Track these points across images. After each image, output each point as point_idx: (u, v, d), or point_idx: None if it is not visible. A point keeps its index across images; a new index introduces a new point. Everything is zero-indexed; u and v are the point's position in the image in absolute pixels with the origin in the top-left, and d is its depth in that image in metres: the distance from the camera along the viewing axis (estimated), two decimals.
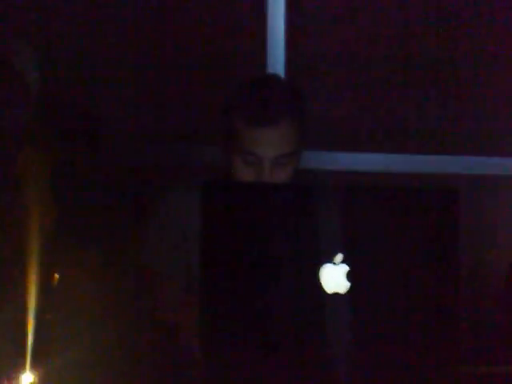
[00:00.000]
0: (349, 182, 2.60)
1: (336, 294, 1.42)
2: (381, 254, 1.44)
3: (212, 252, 1.41)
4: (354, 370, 1.40)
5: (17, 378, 1.47)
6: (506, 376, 1.60)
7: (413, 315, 1.42)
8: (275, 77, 2.21)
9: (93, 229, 1.94)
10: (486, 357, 1.67)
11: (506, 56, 2.89)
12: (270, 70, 2.72)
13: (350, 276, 1.42)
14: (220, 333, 1.39)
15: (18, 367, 1.48)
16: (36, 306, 1.67)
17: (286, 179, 1.96)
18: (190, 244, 1.98)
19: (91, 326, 1.79)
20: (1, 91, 1.88)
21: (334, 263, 1.43)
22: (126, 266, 2.00)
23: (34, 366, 1.52)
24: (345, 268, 1.42)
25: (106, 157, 2.33)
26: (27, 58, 1.90)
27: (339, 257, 1.43)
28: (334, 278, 1.42)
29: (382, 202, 1.46)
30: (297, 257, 1.43)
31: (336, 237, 1.43)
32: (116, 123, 2.66)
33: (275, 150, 1.94)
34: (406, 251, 1.43)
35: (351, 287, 1.42)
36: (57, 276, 1.76)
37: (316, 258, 1.42)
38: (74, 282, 1.82)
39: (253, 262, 1.41)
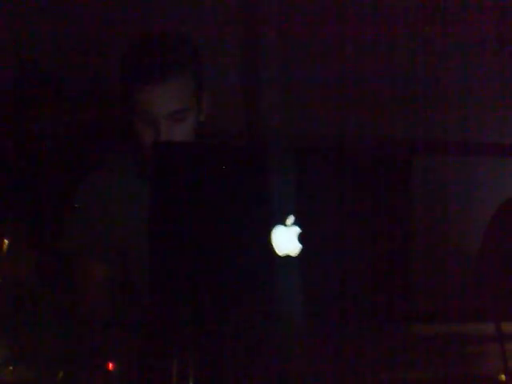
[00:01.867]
0: (301, 143, 2.58)
1: (287, 256, 1.41)
2: (332, 215, 1.43)
3: (161, 214, 1.38)
4: (305, 331, 1.40)
5: None
6: (461, 335, 1.62)
7: (364, 275, 1.42)
8: (165, 32, 2.13)
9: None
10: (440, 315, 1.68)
11: None
12: None
13: (301, 238, 1.41)
14: (170, 294, 1.37)
15: None
16: None
17: (184, 136, 1.93)
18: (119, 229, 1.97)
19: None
20: None
21: (286, 225, 1.42)
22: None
23: None
24: (296, 230, 1.41)
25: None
26: None
27: (291, 219, 1.42)
28: (286, 240, 1.41)
29: (334, 163, 1.45)
30: (248, 218, 1.42)
31: (288, 198, 1.42)
32: None
33: (168, 106, 1.92)
34: (357, 212, 1.43)
35: (303, 249, 1.41)
36: (6, 241, 1.72)
37: (267, 220, 1.41)
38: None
39: (203, 222, 1.39)
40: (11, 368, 1.43)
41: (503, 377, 1.52)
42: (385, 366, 1.42)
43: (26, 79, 2.49)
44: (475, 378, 1.51)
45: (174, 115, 1.91)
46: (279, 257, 1.41)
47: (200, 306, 1.38)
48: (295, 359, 1.39)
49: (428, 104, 2.83)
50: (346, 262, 1.42)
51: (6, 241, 1.71)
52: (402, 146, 2.22)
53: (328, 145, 1.97)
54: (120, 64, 1.97)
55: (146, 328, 1.50)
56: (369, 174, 1.44)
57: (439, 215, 2.63)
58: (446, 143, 2.77)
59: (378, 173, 1.43)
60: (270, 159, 1.45)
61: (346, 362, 1.39)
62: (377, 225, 1.43)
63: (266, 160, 1.45)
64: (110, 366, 1.40)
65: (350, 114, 2.76)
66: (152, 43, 1.97)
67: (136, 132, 1.93)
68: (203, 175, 1.40)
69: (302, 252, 1.41)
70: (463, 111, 2.86)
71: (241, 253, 1.41)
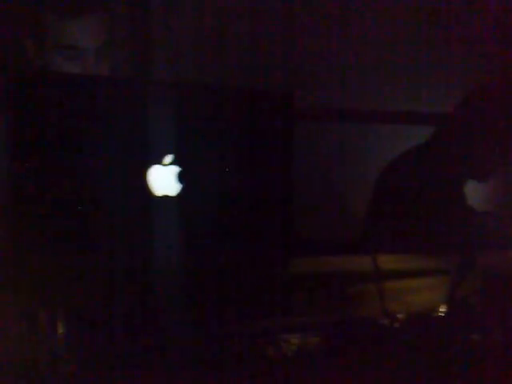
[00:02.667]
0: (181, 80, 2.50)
1: (166, 197, 1.33)
2: (212, 154, 1.36)
3: (23, 152, 1.26)
4: (183, 273, 1.33)
5: None
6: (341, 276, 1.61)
7: (244, 216, 1.37)
8: None
9: None
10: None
11: None
12: None
13: (180, 177, 1.34)
14: (36, 236, 1.26)
15: None
16: None
17: (107, 73, 1.85)
18: None
19: None
20: None
21: (164, 164, 1.33)
22: None
23: None
24: (175, 169, 1.34)
25: None
26: None
27: (169, 158, 1.34)
28: (164, 179, 1.33)
29: (214, 101, 1.38)
30: (123, 157, 1.32)
31: (165, 137, 1.34)
32: None
33: (95, 40, 1.82)
34: (239, 152, 1.37)
35: (182, 189, 1.34)
36: None
37: (144, 159, 1.33)
38: None
39: (74, 161, 1.28)
40: None
41: (386, 319, 1.52)
42: (263, 311, 1.39)
43: None
44: (356, 321, 1.51)
45: (101, 50, 1.80)
46: (157, 197, 1.33)
47: (73, 252, 1.28)
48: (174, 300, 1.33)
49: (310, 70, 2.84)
50: (226, 201, 1.36)
51: None
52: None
53: (208, 84, 1.90)
54: None
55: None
56: (249, 112, 1.38)
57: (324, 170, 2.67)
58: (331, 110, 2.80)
59: (259, 110, 1.38)
60: (145, 95, 1.36)
61: (221, 306, 1.34)
62: (257, 164, 1.38)
63: (141, 96, 1.36)
64: None
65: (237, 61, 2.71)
66: None
67: (52, 67, 1.80)
68: (72, 109, 1.29)
69: (182, 192, 1.33)
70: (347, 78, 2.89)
71: (115, 194, 1.32)
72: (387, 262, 1.57)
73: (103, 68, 1.86)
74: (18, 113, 1.23)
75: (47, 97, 1.24)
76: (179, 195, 1.33)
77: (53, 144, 1.27)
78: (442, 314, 1.57)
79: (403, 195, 2.12)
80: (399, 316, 1.54)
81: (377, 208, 2.22)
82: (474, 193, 2.71)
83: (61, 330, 1.27)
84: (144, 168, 1.32)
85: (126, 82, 1.43)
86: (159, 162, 1.33)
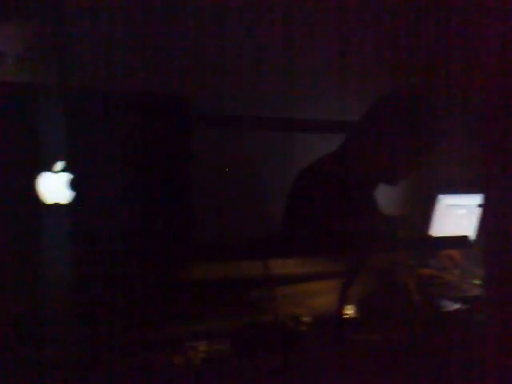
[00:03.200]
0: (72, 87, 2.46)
1: (57, 204, 1.30)
2: (106, 159, 1.34)
3: None
4: (80, 285, 1.31)
5: None
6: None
7: (140, 222, 1.35)
8: None
9: None
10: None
11: None
12: None
13: (72, 184, 1.31)
14: None
15: None
16: None
17: (28, 79, 1.82)
18: None
19: None
20: None
21: (54, 171, 1.31)
22: None
23: None
24: (67, 176, 1.31)
25: None
26: None
27: (60, 164, 1.31)
28: (55, 187, 1.30)
29: (108, 106, 1.36)
30: (11, 165, 1.29)
31: (57, 143, 1.31)
32: None
33: (16, 46, 1.80)
34: (134, 157, 1.36)
35: (75, 196, 1.31)
36: None
37: (33, 166, 1.29)
38: None
39: None
40: None
41: (290, 321, 1.53)
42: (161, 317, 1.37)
43: None
44: (261, 326, 1.50)
45: (22, 55, 1.77)
46: (47, 205, 1.29)
47: None
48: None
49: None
50: (120, 207, 1.34)
51: None
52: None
53: (100, 87, 1.87)
54: None
55: None
56: (146, 116, 1.36)
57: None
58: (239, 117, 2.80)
59: (156, 116, 1.37)
60: (36, 99, 1.33)
61: (121, 309, 1.32)
62: (153, 169, 1.36)
63: (34, 103, 1.33)
64: None
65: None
66: None
67: None
68: None
69: (74, 199, 1.31)
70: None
71: (4, 203, 1.28)
72: (287, 266, 1.58)
73: (23, 73, 1.84)
74: None
75: None
76: (71, 202, 1.30)
77: None
78: (344, 315, 1.59)
79: (311, 201, 2.14)
80: (304, 319, 1.55)
81: (289, 214, 2.23)
82: (387, 197, 2.76)
83: None
84: (34, 175, 1.29)
85: (17, 86, 1.40)
86: (50, 169, 1.30)
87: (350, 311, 1.63)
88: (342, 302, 1.58)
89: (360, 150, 2.21)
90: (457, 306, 1.85)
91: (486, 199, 1.81)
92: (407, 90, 2.32)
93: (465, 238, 2.04)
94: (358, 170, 2.20)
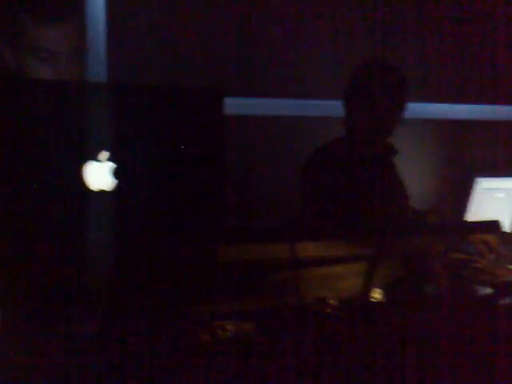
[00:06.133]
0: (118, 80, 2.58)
1: (101, 192, 1.41)
2: (147, 150, 1.45)
3: None
4: (121, 265, 1.42)
5: None
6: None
7: (177, 208, 1.46)
8: None
9: None
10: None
11: None
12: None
13: (115, 173, 1.42)
14: None
15: None
16: None
17: (80, 76, 1.94)
18: None
19: None
20: None
21: (99, 160, 1.42)
22: None
23: None
24: (110, 165, 1.42)
25: None
26: None
27: (104, 154, 1.42)
28: (99, 175, 1.42)
29: (148, 99, 1.46)
30: (61, 154, 1.40)
31: (102, 134, 1.42)
32: None
33: (68, 45, 1.92)
34: (172, 147, 1.45)
35: (117, 184, 1.42)
36: None
37: (80, 156, 1.40)
38: None
39: (11, 159, 1.36)
40: None
41: (318, 303, 1.61)
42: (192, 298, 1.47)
43: None
44: (287, 308, 1.59)
45: (72, 54, 1.89)
46: (93, 192, 1.41)
47: (11, 246, 1.36)
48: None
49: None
50: (159, 195, 1.45)
51: None
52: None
53: (141, 84, 1.97)
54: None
55: None
56: (181, 109, 1.46)
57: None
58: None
59: (190, 108, 1.46)
60: (83, 95, 1.44)
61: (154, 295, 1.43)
62: (191, 161, 1.46)
63: (80, 96, 1.43)
64: None
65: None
66: None
67: (26, 68, 1.89)
68: (9, 110, 1.36)
69: (117, 187, 1.42)
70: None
71: (53, 190, 1.40)
72: (313, 249, 1.66)
73: (74, 71, 1.94)
74: None
75: None
76: (115, 190, 1.41)
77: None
78: (367, 299, 1.67)
79: (332, 183, 2.23)
80: (330, 301, 1.64)
81: (308, 201, 2.31)
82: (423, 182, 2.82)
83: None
84: (81, 164, 1.40)
85: (64, 83, 1.51)
86: (95, 158, 1.41)
87: (378, 295, 1.71)
88: (368, 284, 1.65)
89: (354, 116, 2.35)
90: (490, 290, 1.88)
91: None
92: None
93: (500, 222, 2.08)
94: (362, 138, 2.32)
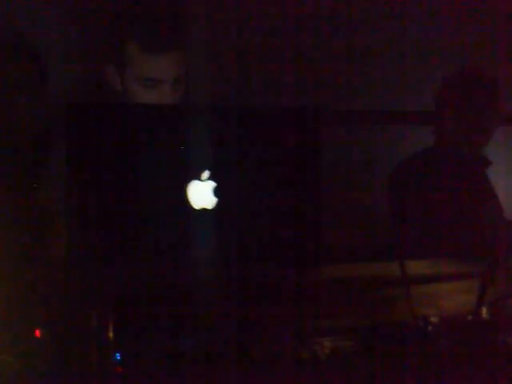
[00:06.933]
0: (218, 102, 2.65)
1: (203, 210, 1.47)
2: (246, 169, 1.49)
3: (78, 173, 1.43)
4: (223, 281, 1.46)
5: None
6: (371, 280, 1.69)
7: (277, 226, 1.49)
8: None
9: None
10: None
11: None
12: None
13: (216, 192, 1.47)
14: (88, 254, 1.42)
15: None
16: None
17: (179, 101, 2.03)
18: None
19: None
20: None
21: (201, 180, 1.47)
22: None
23: None
24: (212, 184, 1.47)
25: None
26: None
27: (206, 173, 1.47)
28: (201, 194, 1.47)
29: (247, 119, 1.51)
30: (164, 174, 1.47)
31: (203, 154, 1.47)
32: None
33: (173, 73, 2.02)
34: (270, 166, 1.49)
35: (218, 202, 1.47)
36: None
37: (183, 175, 1.47)
38: None
39: (121, 179, 1.44)
40: None
41: (421, 321, 1.59)
42: (293, 314, 1.49)
43: None
44: (387, 325, 1.58)
45: (176, 81, 2.01)
46: (195, 210, 1.46)
47: (118, 263, 1.43)
48: (212, 308, 1.45)
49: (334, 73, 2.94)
50: (259, 212, 1.49)
51: None
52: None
53: (240, 105, 2.03)
54: (116, 30, 2.03)
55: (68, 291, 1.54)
56: (279, 128, 1.50)
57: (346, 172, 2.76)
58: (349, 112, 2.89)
59: (288, 127, 1.50)
60: (186, 116, 1.50)
61: (255, 311, 1.45)
62: (288, 178, 1.49)
63: (182, 117, 1.50)
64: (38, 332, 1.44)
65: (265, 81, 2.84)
66: (153, 12, 2.05)
67: (132, 94, 2.01)
68: (119, 134, 1.44)
69: (218, 205, 1.47)
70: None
71: (158, 208, 1.46)
72: (416, 266, 1.64)
73: (176, 96, 2.04)
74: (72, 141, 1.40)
75: (100, 125, 1.41)
76: (215, 208, 1.46)
77: (106, 167, 1.44)
78: (476, 317, 1.63)
79: (427, 198, 2.19)
80: (432, 319, 1.61)
81: (400, 212, 2.29)
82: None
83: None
84: (184, 183, 1.46)
85: (169, 107, 1.58)
86: (197, 178, 1.47)
87: (483, 313, 1.67)
88: (480, 303, 1.61)
89: (448, 125, 2.32)
90: None
91: None
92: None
93: None
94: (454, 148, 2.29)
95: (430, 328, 1.60)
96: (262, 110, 1.53)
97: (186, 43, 2.08)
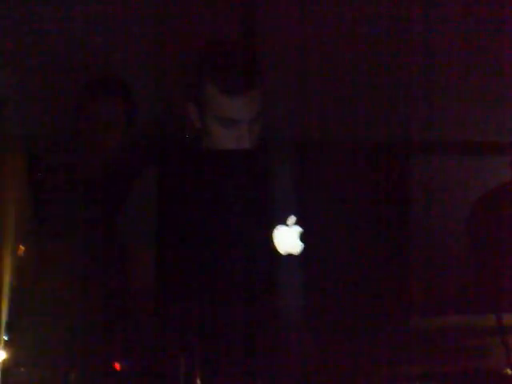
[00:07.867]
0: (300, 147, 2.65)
1: (289, 255, 1.45)
2: (333, 213, 1.47)
3: (169, 216, 1.44)
4: (307, 329, 1.44)
5: None
6: (462, 329, 1.64)
7: (365, 272, 1.46)
8: (236, 42, 2.25)
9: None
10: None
11: None
12: None
13: (302, 237, 1.45)
14: (176, 296, 1.42)
15: None
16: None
17: (256, 140, 2.05)
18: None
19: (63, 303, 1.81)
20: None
21: (287, 225, 1.46)
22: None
23: (7, 344, 1.54)
24: (298, 229, 1.46)
25: None
26: None
27: (292, 219, 1.46)
28: (288, 239, 1.46)
29: (333, 165, 1.50)
30: (251, 220, 1.47)
31: (288, 200, 1.47)
32: None
33: (250, 113, 2.04)
34: (358, 210, 1.47)
35: (304, 248, 1.45)
36: (22, 248, 1.79)
37: (269, 221, 1.46)
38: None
39: (208, 225, 1.44)
40: (23, 370, 1.48)
41: (509, 371, 1.53)
42: (386, 361, 1.45)
43: None
44: (479, 373, 1.53)
45: (253, 121, 2.04)
46: (282, 255, 1.45)
47: (206, 307, 1.43)
48: (298, 356, 1.43)
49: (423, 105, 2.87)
50: (346, 259, 1.46)
51: (21, 247, 1.78)
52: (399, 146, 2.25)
53: (327, 147, 2.01)
54: (195, 71, 2.09)
55: (154, 328, 1.55)
56: (368, 169, 1.48)
57: (435, 213, 2.66)
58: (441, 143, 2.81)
59: (378, 167, 1.47)
60: (271, 161, 1.50)
61: (347, 358, 1.42)
62: (376, 223, 1.47)
63: (268, 162, 1.50)
64: (117, 365, 1.45)
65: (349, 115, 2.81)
66: (231, 53, 2.09)
67: (210, 132, 2.05)
68: (207, 180, 1.46)
69: (304, 250, 1.45)
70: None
71: (245, 253, 1.46)
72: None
73: (253, 135, 2.06)
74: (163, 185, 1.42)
75: (190, 170, 1.43)
76: (302, 253, 1.45)
77: (196, 211, 1.45)
78: None
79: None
80: None
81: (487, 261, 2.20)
82: None
83: None
84: (270, 229, 1.46)
85: (250, 151, 1.58)
86: (283, 223, 1.46)
87: None
88: None
89: None
90: None
91: None
92: None
93: None
94: None
95: None
96: (350, 150, 1.51)
97: (262, 84, 2.09)
